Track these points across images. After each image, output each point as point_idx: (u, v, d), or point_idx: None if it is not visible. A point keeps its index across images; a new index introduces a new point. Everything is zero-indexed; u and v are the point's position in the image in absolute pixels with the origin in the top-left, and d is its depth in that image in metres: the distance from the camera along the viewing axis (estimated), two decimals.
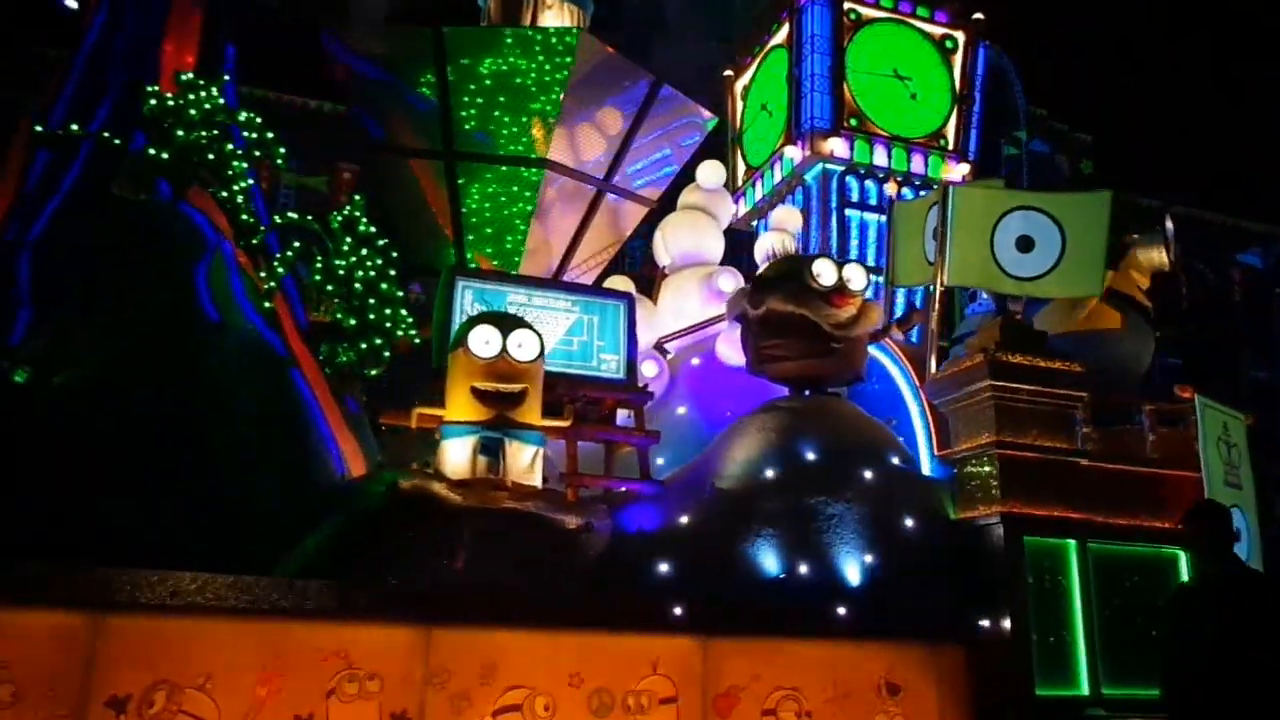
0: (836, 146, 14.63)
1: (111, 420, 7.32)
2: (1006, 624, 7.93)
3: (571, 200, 13.10)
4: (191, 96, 8.19)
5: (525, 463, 7.92)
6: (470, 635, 6.88)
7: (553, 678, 6.96)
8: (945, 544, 8.47)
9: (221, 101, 8.49)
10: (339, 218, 9.24)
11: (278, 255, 9.09)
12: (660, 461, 9.69)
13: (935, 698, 7.88)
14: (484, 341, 7.88)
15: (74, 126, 8.57)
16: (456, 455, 7.80)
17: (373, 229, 9.36)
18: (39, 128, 8.33)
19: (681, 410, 10.28)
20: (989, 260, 9.19)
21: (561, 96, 12.27)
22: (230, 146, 8.40)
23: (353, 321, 9.21)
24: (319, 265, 9.18)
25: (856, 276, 9.23)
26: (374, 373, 9.44)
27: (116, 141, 8.16)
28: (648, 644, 7.25)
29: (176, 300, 8.27)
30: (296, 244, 9.17)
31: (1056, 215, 8.87)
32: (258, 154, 8.76)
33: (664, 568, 7.77)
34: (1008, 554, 8.14)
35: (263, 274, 8.83)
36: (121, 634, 6.24)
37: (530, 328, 8.13)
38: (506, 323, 8.07)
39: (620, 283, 10.64)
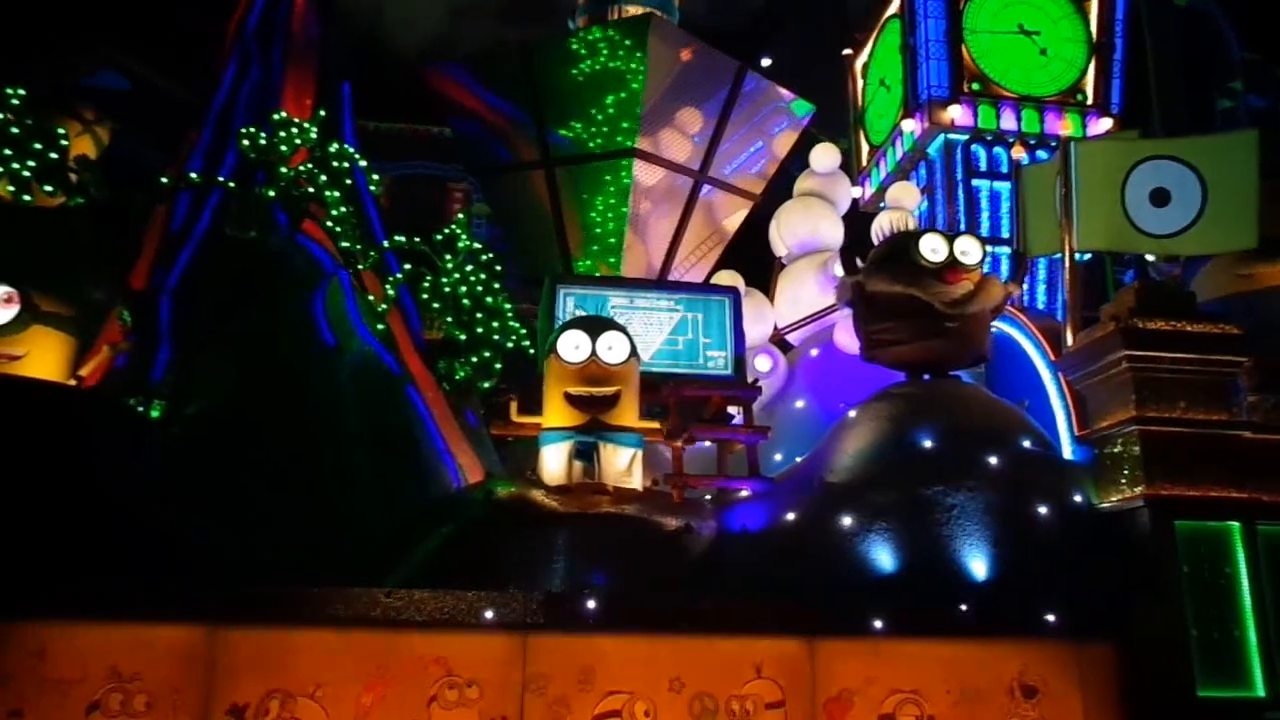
0: (957, 114, 13.67)
1: (231, 447, 7.81)
2: (1159, 619, 7.20)
3: (668, 197, 12.92)
4: (283, 134, 8.67)
5: (622, 465, 7.85)
6: (567, 641, 6.86)
7: (652, 682, 6.83)
8: (1087, 533, 7.76)
9: (314, 136, 8.93)
10: (438, 237, 9.51)
11: (390, 278, 9.45)
12: (778, 457, 9.42)
13: (1079, 700, 7.21)
14: (573, 346, 7.89)
15: (193, 176, 9.21)
16: (553, 461, 7.83)
17: (475, 245, 9.58)
18: (164, 179, 9.03)
19: (799, 404, 9.95)
20: (1121, 219, 8.35)
21: (643, 85, 12.08)
22: (324, 178, 8.80)
23: (463, 336, 9.45)
24: (426, 284, 9.47)
25: (971, 249, 8.62)
26: (486, 385, 9.63)
27: (231, 185, 8.71)
28: (750, 646, 6.99)
29: (295, 329, 8.75)
30: (408, 265, 9.48)
31: (1194, 163, 7.96)
32: (349, 182, 9.15)
33: (768, 567, 7.49)
34: (1156, 541, 7.36)
35: (372, 297, 9.21)
36: (238, 646, 6.61)
37: (620, 329, 8.07)
38: (596, 326, 8.04)
39: (728, 278, 10.42)
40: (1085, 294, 9.54)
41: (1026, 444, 8.31)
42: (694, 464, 9.83)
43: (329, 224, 8.95)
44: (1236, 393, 7.89)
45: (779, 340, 10.95)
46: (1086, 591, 7.47)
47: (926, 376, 8.82)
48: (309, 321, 8.83)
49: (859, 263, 8.92)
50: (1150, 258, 10.14)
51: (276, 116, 8.85)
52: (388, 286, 9.21)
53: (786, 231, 11.23)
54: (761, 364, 10.09)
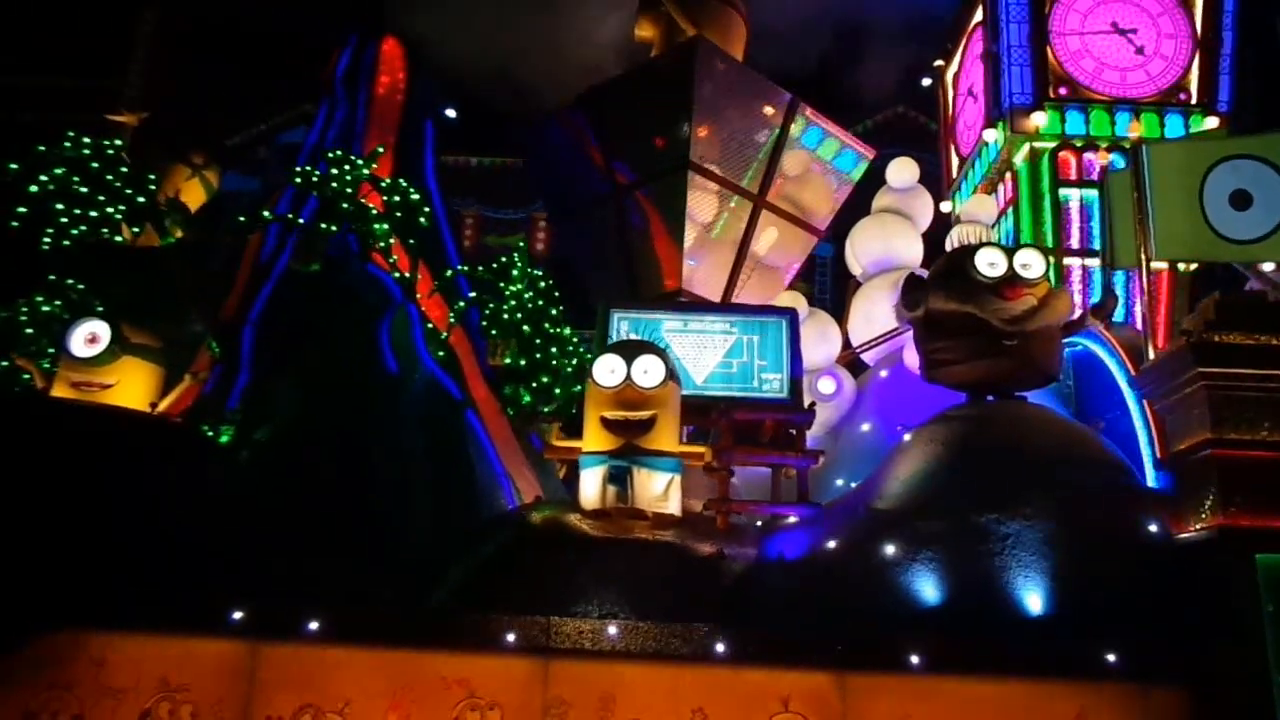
0: (1041, 121, 12.74)
1: (293, 470, 8.19)
2: (1238, 662, 6.49)
3: (732, 222, 12.85)
4: (335, 171, 9.09)
5: (658, 490, 7.73)
6: (588, 666, 6.80)
7: (674, 712, 6.67)
8: (1161, 566, 7.10)
9: (366, 173, 9.32)
10: (494, 266, 9.74)
11: (454, 307, 9.75)
12: (839, 482, 9.08)
13: None
14: (608, 370, 7.85)
15: (288, 215, 9.81)
16: (589, 486, 7.80)
17: (535, 271, 9.76)
18: (241, 218, 9.65)
19: (865, 427, 9.57)
20: (1201, 225, 7.65)
21: (692, 108, 12.18)
22: (374, 211, 9.16)
23: (522, 362, 9.62)
24: (488, 311, 9.69)
25: (1033, 263, 8.08)
26: (547, 409, 9.75)
27: (300, 222, 9.22)
28: (777, 679, 6.73)
29: (360, 357, 9.11)
30: (472, 294, 9.75)
31: (1275, 160, 7.22)
32: (399, 215, 9.49)
33: (804, 596, 7.21)
34: (1234, 576, 6.67)
35: (431, 325, 9.53)
36: (277, 662, 6.90)
37: (657, 353, 7.97)
38: (632, 350, 7.98)
39: (789, 299, 10.15)
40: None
41: (1098, 469, 7.71)
42: (756, 489, 9.66)
43: (394, 257, 9.32)
44: None
45: (852, 361, 10.58)
46: (1157, 630, 6.83)
47: (991, 398, 8.35)
48: (374, 350, 9.18)
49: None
50: (1268, 267, 9.28)
51: (330, 155, 9.33)
52: (451, 315, 9.49)
53: (860, 250, 10.86)
54: (825, 386, 9.77)
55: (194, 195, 10.40)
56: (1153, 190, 7.82)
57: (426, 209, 10.02)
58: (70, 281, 9.13)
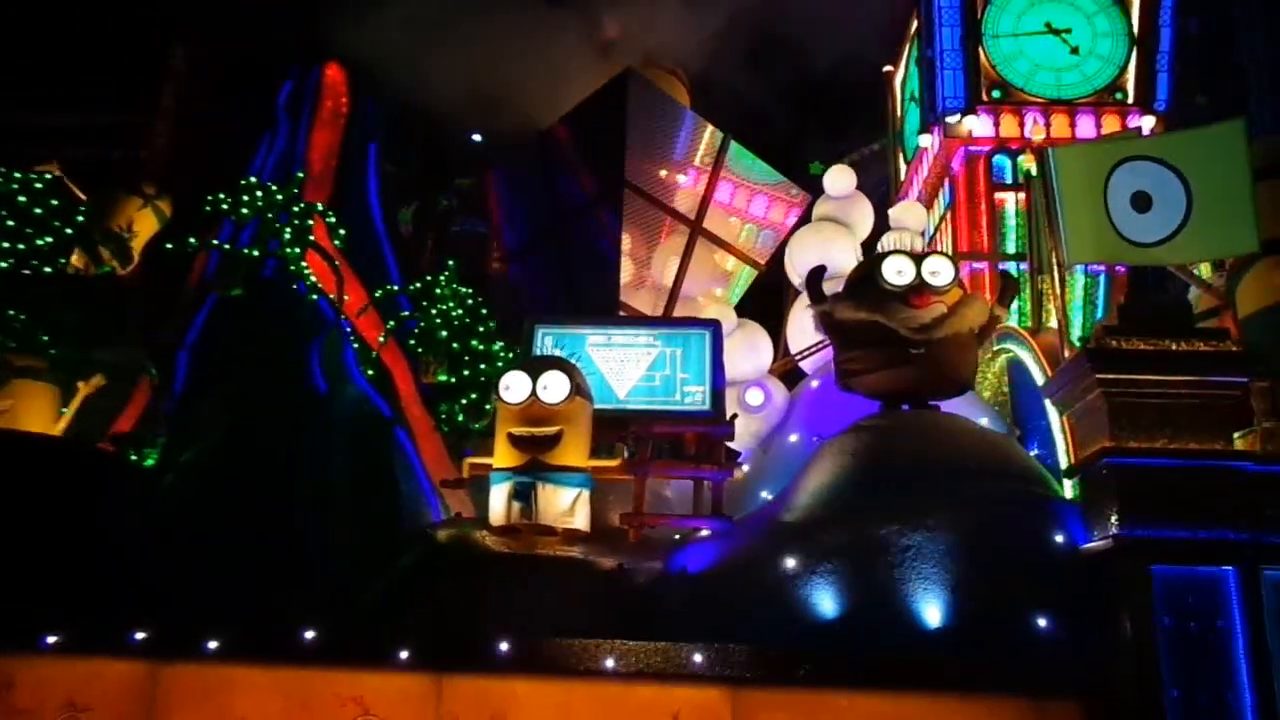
0: (975, 126, 12.59)
1: (215, 491, 8.30)
2: (1133, 676, 6.36)
3: (668, 242, 13.21)
4: (246, 197, 9.25)
5: (563, 505, 7.73)
6: (481, 683, 6.79)
7: None
8: (1059, 578, 6.97)
9: (280, 198, 9.46)
10: (417, 285, 9.83)
11: (388, 325, 9.86)
12: (764, 495, 9.03)
13: None
14: (513, 387, 7.90)
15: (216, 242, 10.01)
16: (496, 502, 7.82)
17: (458, 288, 9.83)
18: (169, 245, 9.84)
19: (793, 438, 9.50)
20: (1107, 229, 7.50)
21: (625, 133, 12.80)
22: (287, 235, 9.30)
23: (451, 379, 9.69)
24: (416, 331, 9.79)
25: (941, 270, 8.00)
26: (478, 427, 9.81)
27: (226, 248, 9.39)
28: (667, 694, 6.69)
29: (290, 378, 9.20)
30: (405, 313, 9.86)
31: (1174, 161, 7.08)
32: (310, 239, 9.62)
33: (702, 610, 7.18)
34: (1130, 589, 6.52)
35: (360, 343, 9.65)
36: (176, 681, 6.99)
37: (564, 369, 7.98)
38: (536, 366, 8.00)
39: (716, 311, 10.11)
40: None
41: (1006, 480, 7.61)
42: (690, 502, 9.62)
43: (314, 279, 9.46)
44: (1239, 420, 6.95)
45: (787, 371, 10.53)
46: (1054, 644, 6.73)
47: (906, 407, 8.28)
48: (304, 370, 9.29)
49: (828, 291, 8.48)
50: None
51: (243, 181, 9.49)
52: (381, 335, 9.60)
53: (798, 258, 10.78)
54: (753, 398, 9.71)
55: (147, 224, 10.60)
56: (1060, 194, 7.70)
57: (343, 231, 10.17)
58: (12, 312, 9.38)
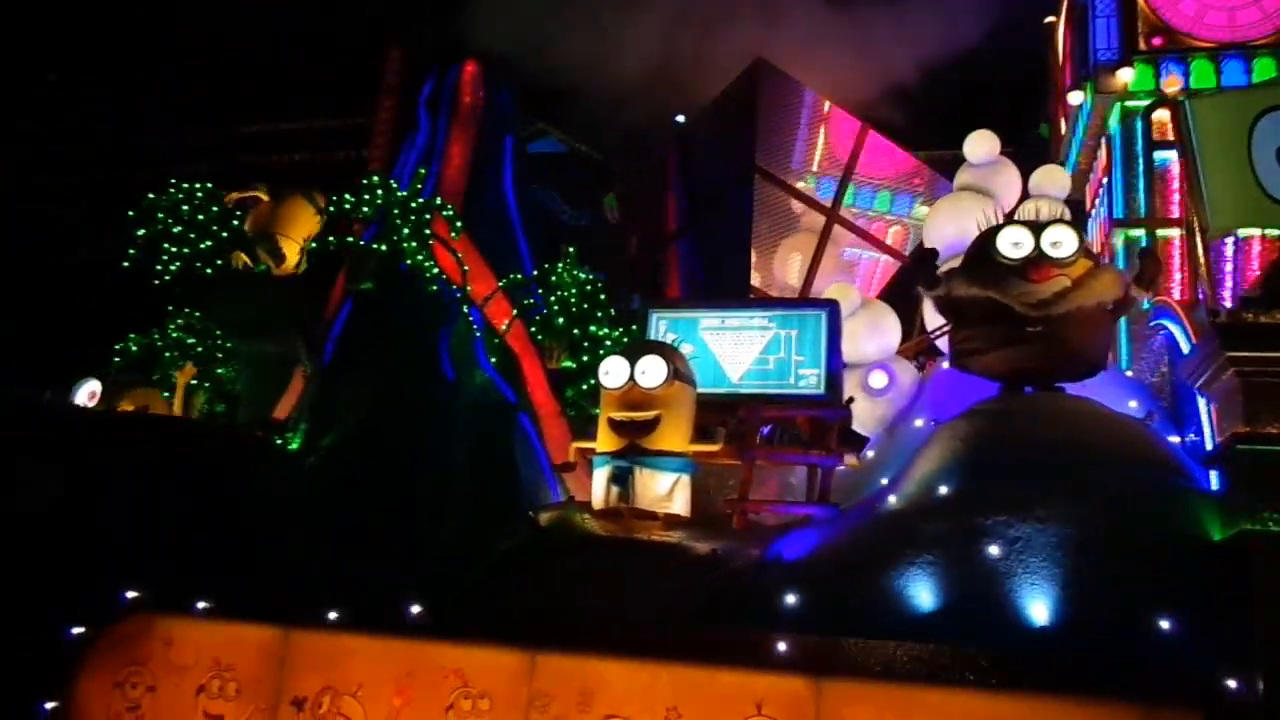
0: (1129, 77, 11.28)
1: (346, 475, 9.09)
2: (1259, 686, 5.81)
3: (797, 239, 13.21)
4: (367, 196, 9.89)
5: (660, 490, 7.90)
6: (570, 661, 7.09)
7: (649, 709, 6.82)
8: (1188, 575, 6.45)
9: (402, 194, 10.05)
10: (534, 274, 10.23)
11: (514, 312, 10.36)
12: (885, 482, 8.80)
13: None
14: (612, 373, 8.11)
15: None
16: (596, 486, 8.11)
17: (579, 273, 10.15)
18: (314, 244, 10.72)
19: (919, 423, 9.17)
20: (1253, 188, 6.82)
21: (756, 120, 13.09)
22: (406, 231, 9.87)
23: (573, 365, 10.05)
24: (537, 318, 10.22)
25: (1064, 240, 7.50)
26: (597, 411, 10.10)
27: (362, 244, 10.12)
28: (750, 681, 6.70)
29: (418, 367, 9.90)
30: (527, 300, 10.32)
31: None
32: (427, 233, 10.15)
33: (792, 599, 7.14)
34: (1263, 587, 5.97)
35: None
36: (303, 647, 7.75)
37: (663, 353, 8.13)
38: (636, 351, 8.20)
39: (836, 291, 9.83)
40: None
41: (1135, 468, 7.08)
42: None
43: (438, 272, 10.06)
44: None
45: (922, 350, 10.17)
46: (1176, 645, 6.24)
47: (1029, 390, 7.85)
48: (433, 359, 9.95)
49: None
50: None
51: (364, 180, 10.17)
52: (504, 322, 10.11)
53: (933, 234, 10.33)
54: (876, 380, 9.42)
55: (305, 223, 11.53)
56: (1200, 151, 7.06)
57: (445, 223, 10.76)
58: (188, 310, 10.62)
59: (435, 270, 10.07)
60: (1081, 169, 12.98)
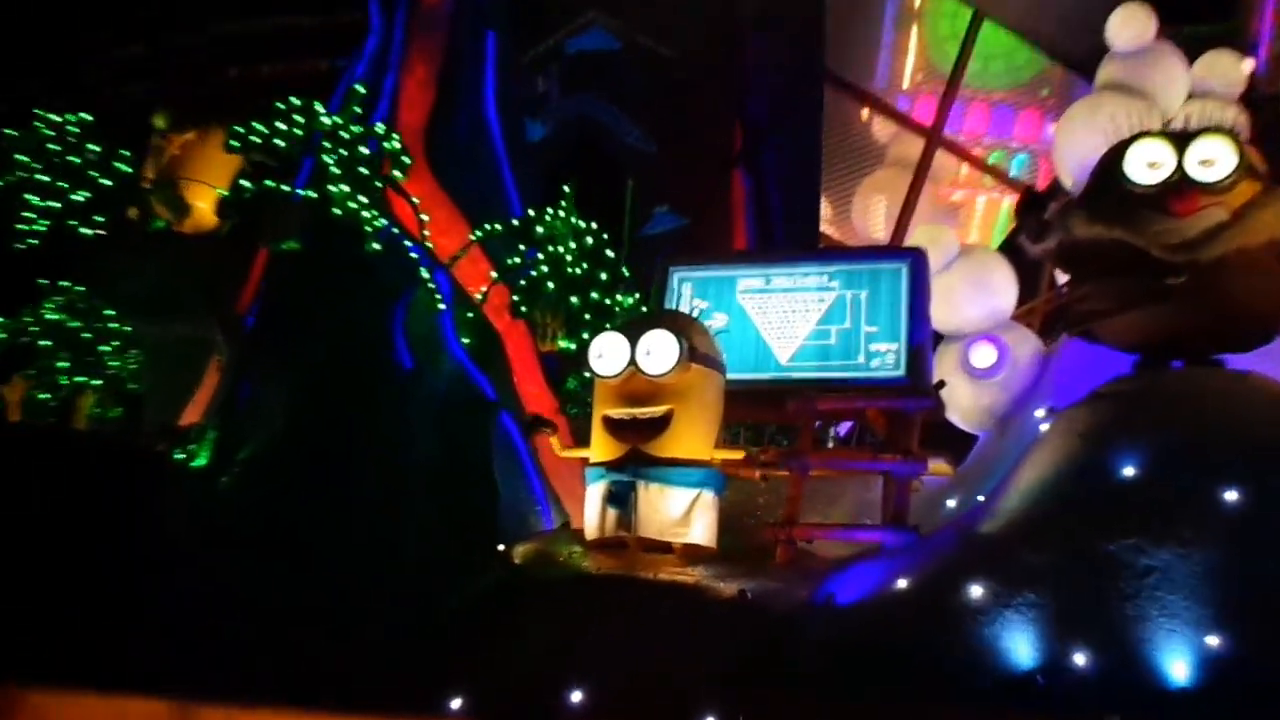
0: None
1: (270, 498, 9.53)
2: None
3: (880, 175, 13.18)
4: (281, 125, 10.22)
5: (672, 512, 8.15)
6: None
7: None
8: None
9: (328, 122, 10.36)
10: (516, 221, 10.48)
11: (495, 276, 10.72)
12: (981, 499, 8.97)
13: None
14: (604, 355, 8.37)
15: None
16: (589, 508, 8.41)
17: (577, 222, 10.40)
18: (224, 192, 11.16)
19: (1040, 413, 9.26)
20: None
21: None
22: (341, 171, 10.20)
23: (572, 346, 10.34)
24: (522, 285, 10.53)
25: (1220, 157, 7.55)
26: None
27: (286, 190, 10.51)
28: None
29: (365, 354, 10.28)
30: (510, 261, 10.66)
31: None
32: (397, 174, 10.46)
33: (845, 653, 7.34)
34: None
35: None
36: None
37: (675, 327, 8.33)
38: (638, 326, 8.45)
39: (925, 236, 9.85)
40: None
41: None
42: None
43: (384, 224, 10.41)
44: None
45: (1050, 312, 10.22)
46: None
47: (1177, 364, 7.94)
48: (384, 343, 10.33)
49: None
50: None
51: (278, 105, 10.52)
52: (482, 289, 10.44)
53: (1065, 153, 10.28)
54: (981, 357, 9.45)
55: (218, 165, 11.96)
56: None
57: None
58: (66, 283, 11.16)
59: (383, 223, 10.42)
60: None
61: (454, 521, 9.60)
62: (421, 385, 10.26)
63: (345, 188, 10.04)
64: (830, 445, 11.77)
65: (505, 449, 10.30)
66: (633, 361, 8.35)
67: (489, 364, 10.57)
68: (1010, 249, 11.12)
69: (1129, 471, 7.39)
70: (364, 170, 10.22)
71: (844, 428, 12.23)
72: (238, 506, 9.63)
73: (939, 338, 10.07)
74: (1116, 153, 7.90)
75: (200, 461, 10.00)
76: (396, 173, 10.57)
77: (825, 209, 13.16)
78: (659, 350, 8.32)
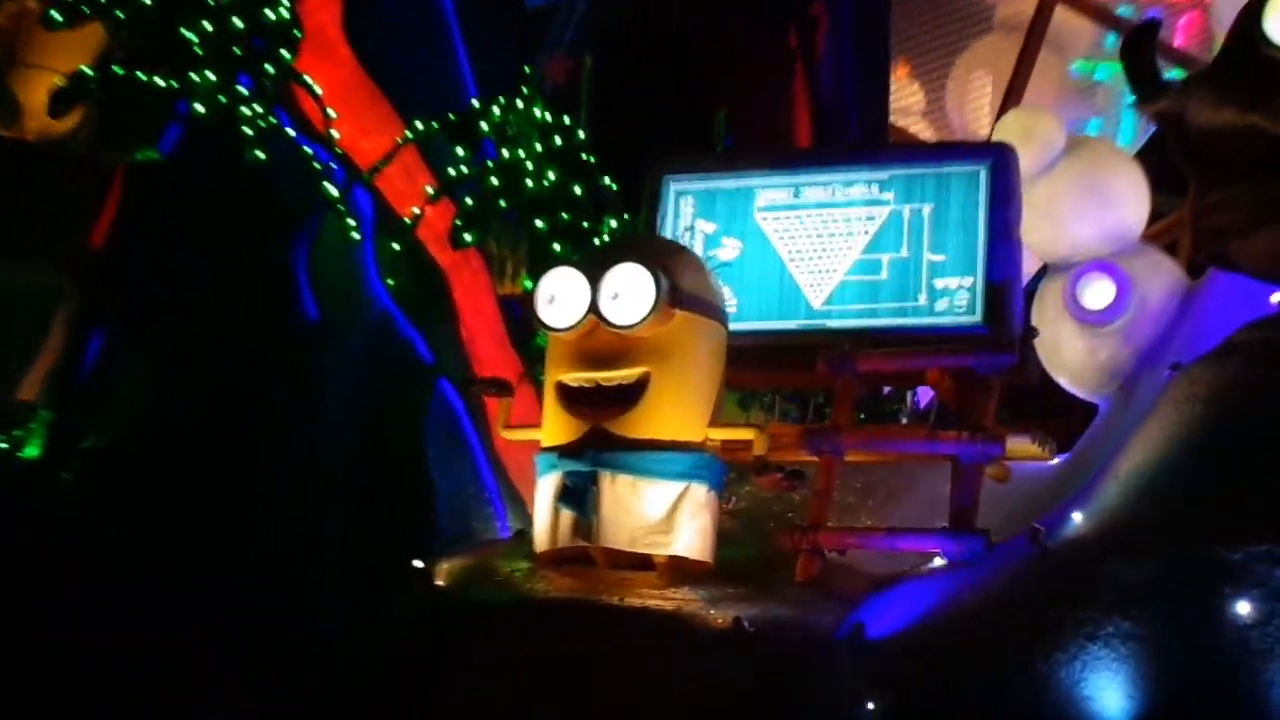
0: None
1: (132, 492, 9.85)
2: None
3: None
4: None
5: (651, 514, 8.32)
6: None
7: None
8: None
9: None
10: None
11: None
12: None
13: None
14: (554, 298, 8.56)
15: None
16: (539, 508, 8.63)
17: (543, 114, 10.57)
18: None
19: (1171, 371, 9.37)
20: None
21: None
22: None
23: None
24: (470, 206, 10.76)
25: None
26: None
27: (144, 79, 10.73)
28: None
29: (255, 299, 10.56)
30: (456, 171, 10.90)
31: None
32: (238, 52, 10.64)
33: (874, 702, 7.56)
34: None
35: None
36: None
37: (651, 259, 8.46)
38: (602, 259, 8.62)
39: (1014, 126, 9.80)
40: None
41: None
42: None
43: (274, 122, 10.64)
44: None
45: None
46: None
47: None
48: (280, 288, 10.57)
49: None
50: None
51: None
52: (414, 210, 10.67)
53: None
54: (1094, 296, 9.48)
55: (60, 48, 12.22)
56: None
57: None
58: None
59: (274, 121, 10.64)
60: None
61: (374, 529, 9.89)
62: (332, 344, 10.51)
63: (212, 75, 10.26)
64: (904, 421, 11.86)
65: (445, 429, 10.50)
66: (594, 308, 8.54)
67: (425, 314, 10.78)
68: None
69: (1263, 453, 7.56)
70: (238, 50, 10.42)
71: (924, 395, 12.26)
72: (83, 514, 9.95)
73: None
74: (1254, 8, 7.98)
75: (30, 451, 10.32)
76: (284, 51, 10.74)
77: (913, 93, 13.03)
78: (629, 292, 8.43)
